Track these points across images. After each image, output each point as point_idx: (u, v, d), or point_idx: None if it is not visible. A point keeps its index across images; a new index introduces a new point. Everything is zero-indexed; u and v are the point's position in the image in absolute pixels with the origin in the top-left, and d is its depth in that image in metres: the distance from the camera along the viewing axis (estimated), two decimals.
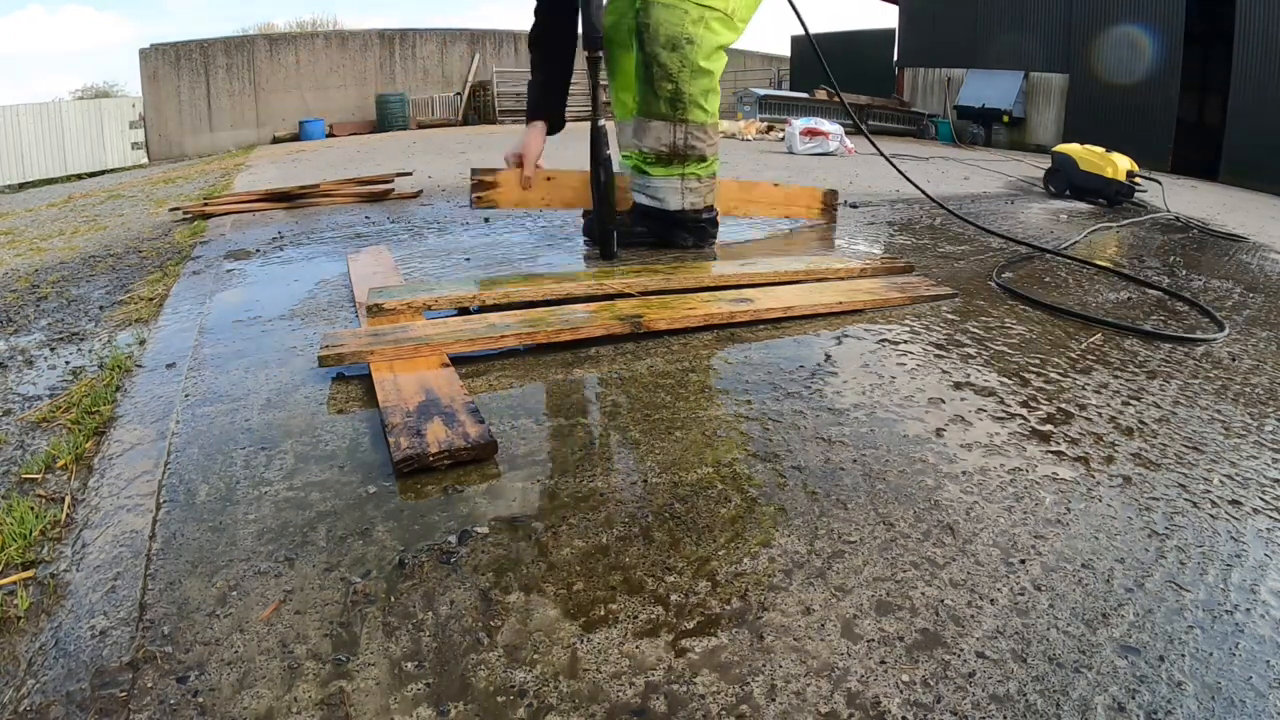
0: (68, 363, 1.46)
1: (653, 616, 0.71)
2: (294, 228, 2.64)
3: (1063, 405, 1.20)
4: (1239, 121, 7.66)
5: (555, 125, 2.17)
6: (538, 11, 2.08)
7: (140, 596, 0.73)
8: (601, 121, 1.98)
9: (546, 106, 2.15)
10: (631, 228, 2.13)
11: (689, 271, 1.76)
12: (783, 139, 7.21)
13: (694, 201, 2.12)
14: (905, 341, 1.45)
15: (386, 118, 13.43)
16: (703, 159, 2.08)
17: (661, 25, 1.94)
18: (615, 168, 2.06)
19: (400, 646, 0.67)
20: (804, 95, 10.91)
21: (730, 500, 0.89)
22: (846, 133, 6.54)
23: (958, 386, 1.25)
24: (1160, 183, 4.03)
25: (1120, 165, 3.80)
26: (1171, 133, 8.25)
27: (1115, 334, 1.56)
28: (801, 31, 2.51)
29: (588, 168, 2.04)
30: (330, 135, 12.82)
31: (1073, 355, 1.42)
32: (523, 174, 2.16)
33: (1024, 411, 1.17)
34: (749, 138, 8.38)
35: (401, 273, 1.87)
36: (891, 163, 2.73)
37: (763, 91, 11.16)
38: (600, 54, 1.99)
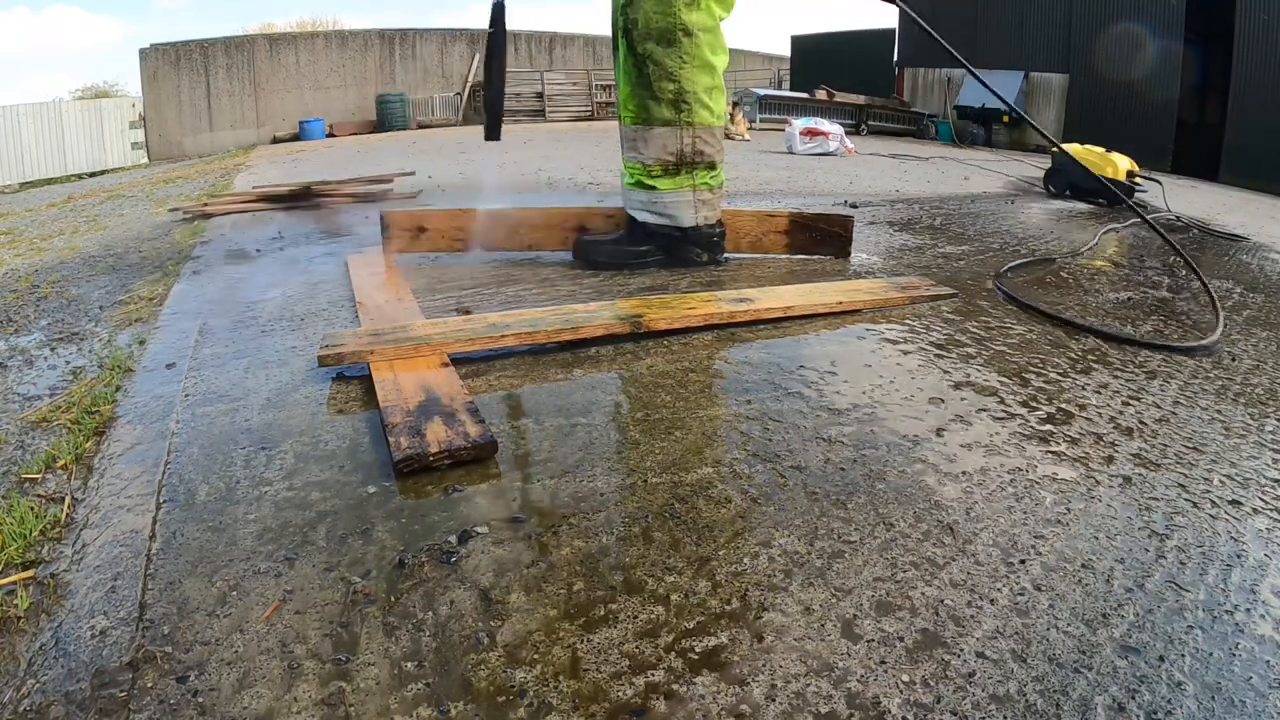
0: (68, 362, 1.46)
1: (653, 616, 0.70)
2: (294, 228, 2.64)
3: (1063, 405, 1.20)
4: (1239, 121, 7.65)
5: None
6: None
7: (140, 596, 0.73)
8: None
9: None
10: (636, 248, 1.93)
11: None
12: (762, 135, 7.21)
13: (707, 216, 1.93)
14: (905, 341, 1.45)
15: (386, 118, 13.44)
16: (712, 166, 1.91)
17: (651, 18, 1.73)
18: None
19: (400, 646, 0.67)
20: (804, 95, 10.91)
21: (730, 500, 0.89)
22: (847, 133, 6.54)
23: (958, 386, 1.25)
24: (1160, 183, 4.03)
25: (1120, 165, 3.80)
26: (1171, 133, 8.25)
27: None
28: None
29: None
30: (330, 135, 12.82)
31: (1073, 355, 1.42)
32: None
33: (1024, 411, 1.16)
34: (746, 138, 8.38)
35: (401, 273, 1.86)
36: (1155, 228, 2.24)
37: (763, 91, 11.18)
38: None
